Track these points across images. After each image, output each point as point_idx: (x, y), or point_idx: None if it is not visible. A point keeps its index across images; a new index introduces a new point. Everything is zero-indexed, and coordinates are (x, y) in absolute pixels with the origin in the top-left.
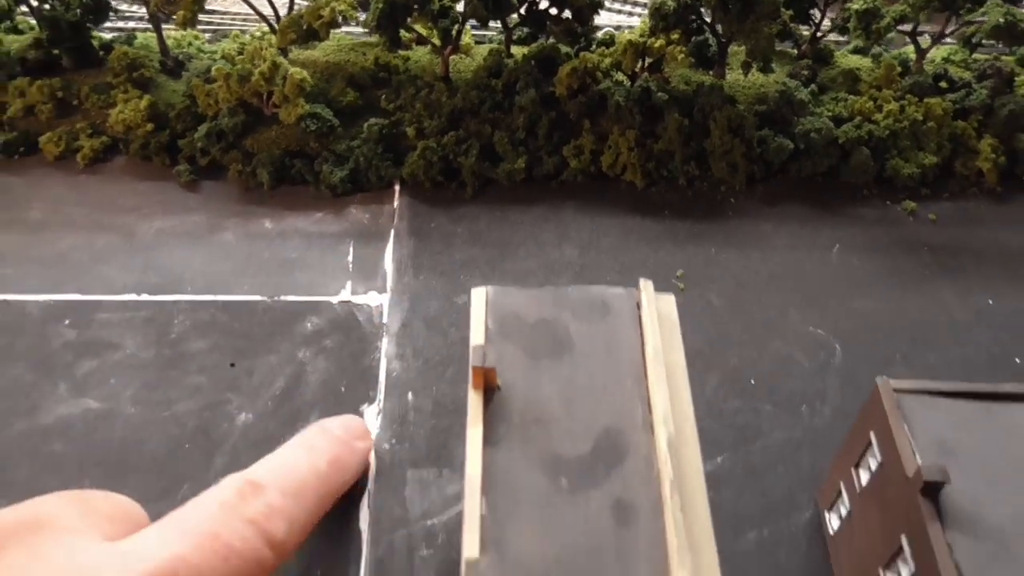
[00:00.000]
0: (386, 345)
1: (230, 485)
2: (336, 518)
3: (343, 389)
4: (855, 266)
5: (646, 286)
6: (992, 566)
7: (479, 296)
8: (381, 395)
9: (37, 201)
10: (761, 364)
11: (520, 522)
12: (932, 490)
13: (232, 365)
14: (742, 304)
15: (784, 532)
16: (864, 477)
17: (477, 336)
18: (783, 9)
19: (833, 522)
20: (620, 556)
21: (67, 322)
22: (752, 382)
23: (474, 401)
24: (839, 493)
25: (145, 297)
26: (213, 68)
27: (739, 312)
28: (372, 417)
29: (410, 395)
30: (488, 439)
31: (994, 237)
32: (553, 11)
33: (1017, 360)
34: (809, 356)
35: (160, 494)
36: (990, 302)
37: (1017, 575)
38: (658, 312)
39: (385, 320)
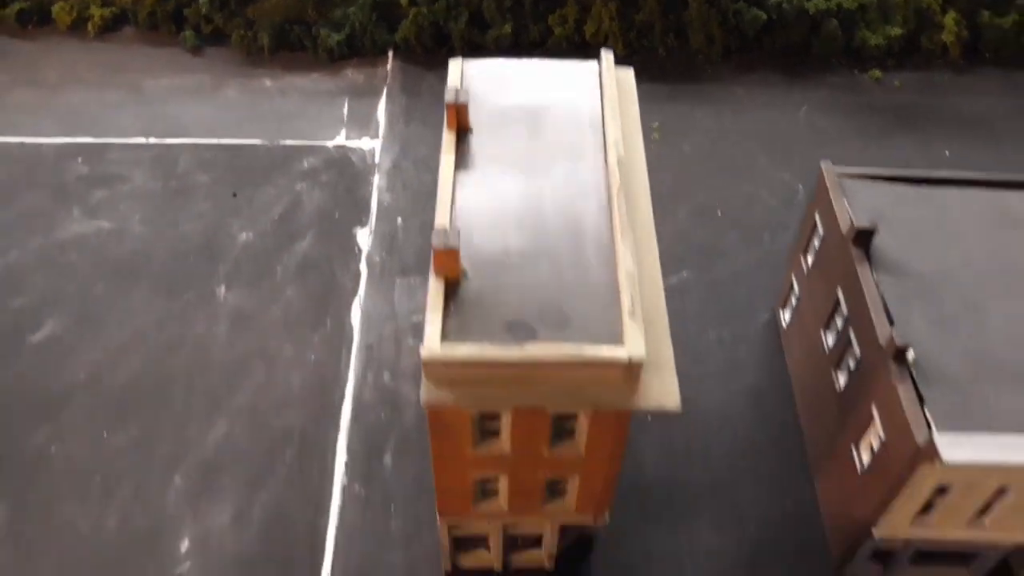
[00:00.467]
0: (378, 180)
1: None
2: (329, 316)
3: (337, 216)
4: (821, 124)
5: (607, 55)
6: (914, 302)
7: (455, 64)
8: (373, 220)
9: (51, 64)
10: (729, 200)
11: (483, 223)
12: (863, 239)
13: (234, 195)
14: (713, 153)
15: (742, 332)
16: (810, 259)
17: (453, 83)
18: None
19: (785, 316)
20: (573, 242)
21: (80, 160)
22: (719, 214)
23: (447, 139)
24: (791, 287)
25: (153, 140)
26: None
27: (710, 159)
28: (365, 237)
29: (399, 219)
30: (458, 166)
31: (954, 103)
32: None
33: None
34: (774, 195)
35: (168, 296)
36: (947, 153)
37: (934, 309)
38: (617, 78)
39: (377, 160)
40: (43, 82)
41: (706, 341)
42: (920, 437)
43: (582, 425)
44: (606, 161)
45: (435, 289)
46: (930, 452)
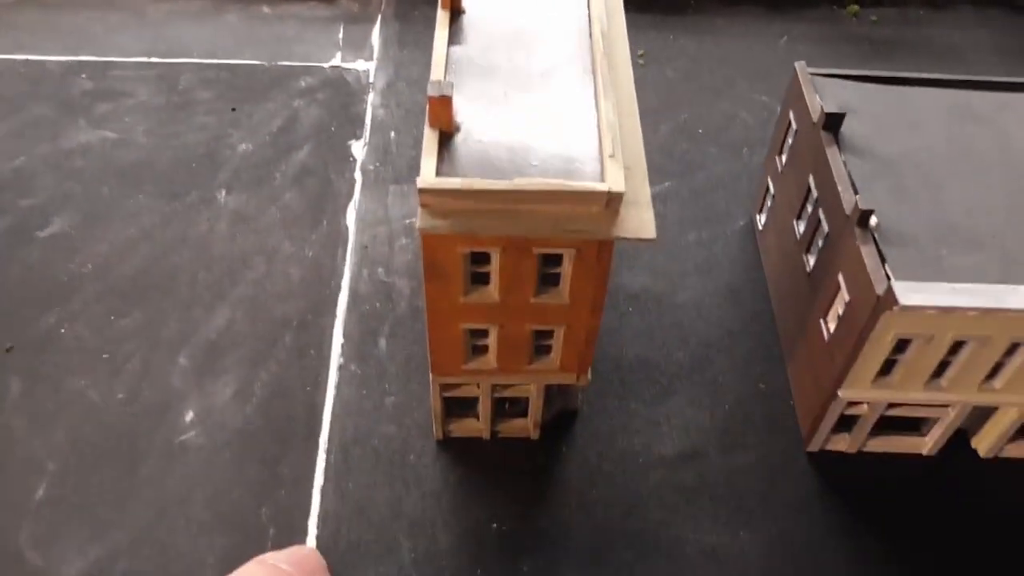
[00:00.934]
0: (372, 98)
1: None
2: (325, 217)
3: (333, 129)
4: (800, 53)
5: None
6: (878, 179)
7: None
8: (367, 133)
9: None
10: (709, 119)
11: (475, 84)
12: (833, 122)
13: (233, 110)
14: (695, 76)
15: (720, 233)
16: (784, 158)
17: None
18: None
19: (761, 219)
20: (558, 99)
21: (84, 76)
22: (700, 131)
23: (441, 15)
24: (767, 191)
25: (155, 59)
26: None
27: (692, 81)
28: (359, 149)
29: (392, 133)
30: (451, 39)
31: (928, 34)
32: None
33: None
34: (753, 115)
35: (171, 199)
36: None
37: (896, 184)
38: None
39: (372, 80)
40: (47, 3)
41: (685, 242)
42: (880, 288)
43: (566, 271)
44: (591, 35)
45: (430, 137)
46: (890, 300)
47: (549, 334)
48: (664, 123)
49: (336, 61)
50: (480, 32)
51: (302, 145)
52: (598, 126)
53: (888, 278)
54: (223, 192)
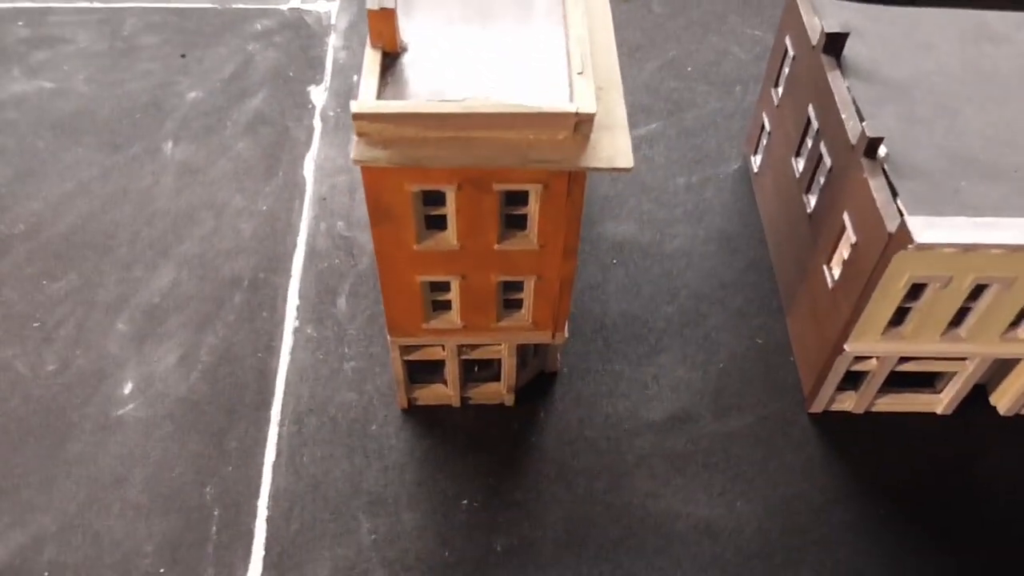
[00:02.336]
0: (334, 40)
1: None
2: (281, 168)
3: (291, 73)
4: None
5: None
6: (886, 105)
7: None
8: (328, 78)
9: None
10: (699, 56)
11: (429, 18)
12: (834, 43)
13: (183, 56)
14: (683, 10)
15: (711, 177)
16: (780, 91)
17: None
18: None
19: (756, 161)
20: (521, 13)
21: (20, 23)
22: (689, 69)
23: None
24: (762, 128)
25: (97, 4)
26: None
27: (679, 16)
28: (319, 94)
29: (355, 77)
30: None
31: None
32: None
33: None
34: (745, 50)
35: (112, 151)
36: None
37: (906, 111)
38: None
39: (333, 22)
40: None
41: (674, 187)
42: (892, 225)
43: (533, 210)
44: None
45: (371, 57)
46: (903, 237)
47: (519, 286)
48: (650, 60)
49: (295, 3)
50: None
51: (257, 92)
52: (566, 43)
53: (901, 213)
54: (169, 143)
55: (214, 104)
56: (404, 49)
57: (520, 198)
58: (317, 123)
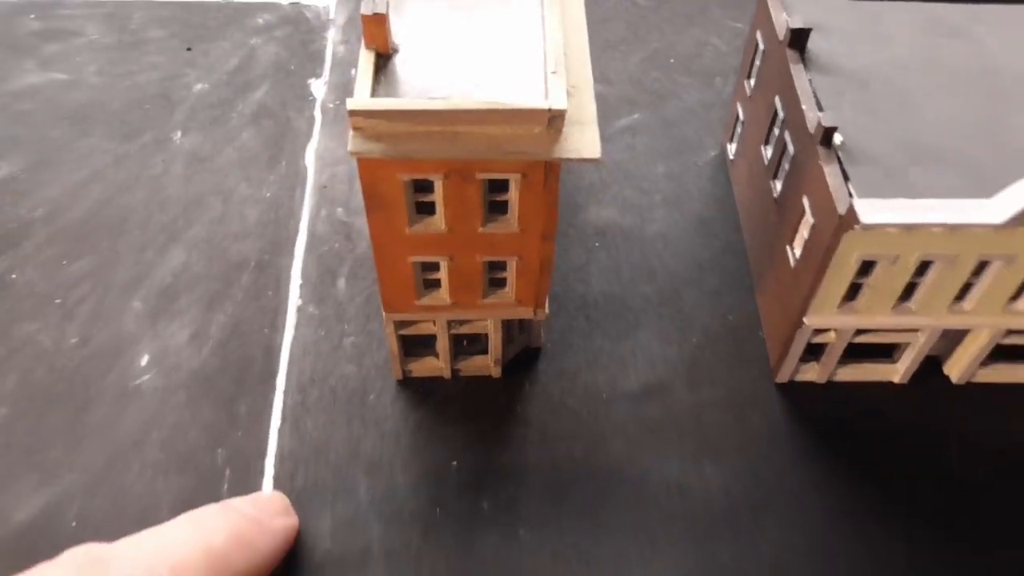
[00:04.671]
0: (333, 34)
1: (69, 560)
2: (284, 157)
3: (292, 67)
4: None
5: None
6: (844, 96)
7: None
8: (327, 71)
9: None
10: (681, 47)
11: (414, 7)
12: (798, 38)
13: (188, 49)
14: (667, 2)
15: (690, 164)
16: (752, 82)
17: None
18: None
19: (732, 149)
20: (502, 21)
21: (32, 16)
22: (672, 61)
23: None
24: (737, 118)
25: None
26: None
27: (663, 8)
28: (319, 87)
29: (353, 71)
30: None
31: None
32: None
33: None
34: (726, 42)
35: (123, 140)
36: None
37: (863, 101)
38: None
39: (332, 16)
40: None
41: (654, 175)
42: (843, 207)
43: (513, 197)
44: None
45: (365, 58)
46: (851, 218)
47: (502, 266)
48: (634, 53)
49: None
50: None
51: (260, 84)
52: (542, 47)
53: (851, 196)
54: (178, 133)
55: (220, 96)
56: (396, 50)
57: (502, 186)
58: (317, 115)
